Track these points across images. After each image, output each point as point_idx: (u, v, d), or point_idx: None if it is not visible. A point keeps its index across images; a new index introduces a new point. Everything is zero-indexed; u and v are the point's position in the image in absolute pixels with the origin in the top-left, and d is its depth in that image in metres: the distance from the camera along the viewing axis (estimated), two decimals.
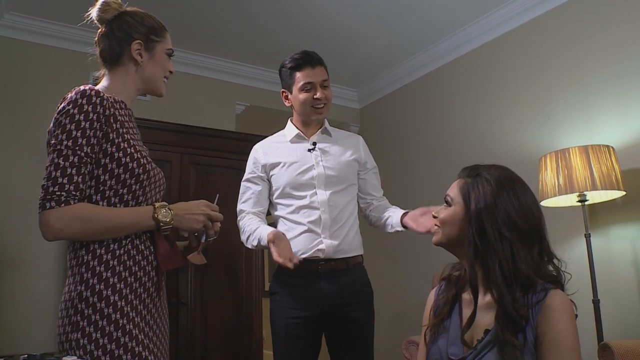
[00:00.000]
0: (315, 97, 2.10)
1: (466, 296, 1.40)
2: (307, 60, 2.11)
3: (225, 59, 4.13)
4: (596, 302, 2.58)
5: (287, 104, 2.21)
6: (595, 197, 2.70)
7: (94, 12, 1.51)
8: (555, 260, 1.32)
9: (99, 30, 1.52)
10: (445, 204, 1.42)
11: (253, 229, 2.02)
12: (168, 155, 3.23)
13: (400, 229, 2.09)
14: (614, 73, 2.90)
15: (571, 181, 2.59)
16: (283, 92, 2.20)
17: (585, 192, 2.61)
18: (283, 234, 1.93)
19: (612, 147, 2.66)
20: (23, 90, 3.38)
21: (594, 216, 2.90)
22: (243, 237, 2.09)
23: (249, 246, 2.06)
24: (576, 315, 1.26)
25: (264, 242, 1.94)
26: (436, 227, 1.44)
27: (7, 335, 3.06)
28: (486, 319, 1.30)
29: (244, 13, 3.48)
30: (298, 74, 2.11)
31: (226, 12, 3.47)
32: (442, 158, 3.94)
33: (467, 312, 1.37)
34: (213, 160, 3.40)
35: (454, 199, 1.39)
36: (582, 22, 3.08)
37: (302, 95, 2.11)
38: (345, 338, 2.04)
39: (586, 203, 2.65)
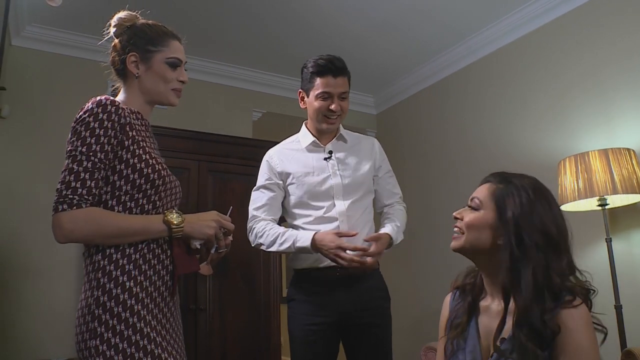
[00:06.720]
0: (330, 107, 2.07)
1: (483, 303, 1.38)
2: (330, 68, 2.05)
3: (242, 67, 4.16)
4: (618, 308, 2.53)
5: (302, 105, 2.19)
6: (616, 201, 2.65)
7: (111, 29, 1.55)
8: (578, 274, 1.30)
9: (112, 44, 1.56)
10: (468, 207, 1.38)
11: (282, 231, 2.00)
12: (186, 162, 3.25)
13: None
14: (633, 75, 2.85)
15: (591, 185, 2.55)
16: (300, 92, 2.17)
17: (605, 196, 2.56)
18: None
19: (633, 150, 2.62)
20: (44, 100, 3.44)
21: (615, 220, 2.85)
22: (263, 240, 2.03)
23: (273, 249, 2.01)
24: (605, 329, 1.23)
25: (302, 244, 1.92)
26: (456, 229, 1.40)
27: (26, 343, 3.09)
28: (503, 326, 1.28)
29: (260, 21, 3.51)
30: (318, 80, 2.06)
31: (242, 21, 3.49)
32: (459, 163, 3.91)
33: (484, 320, 1.35)
34: (230, 167, 3.42)
35: (483, 203, 1.35)
36: (600, 25, 3.04)
37: (318, 103, 2.08)
38: (363, 344, 2.03)
39: (607, 207, 2.60)
